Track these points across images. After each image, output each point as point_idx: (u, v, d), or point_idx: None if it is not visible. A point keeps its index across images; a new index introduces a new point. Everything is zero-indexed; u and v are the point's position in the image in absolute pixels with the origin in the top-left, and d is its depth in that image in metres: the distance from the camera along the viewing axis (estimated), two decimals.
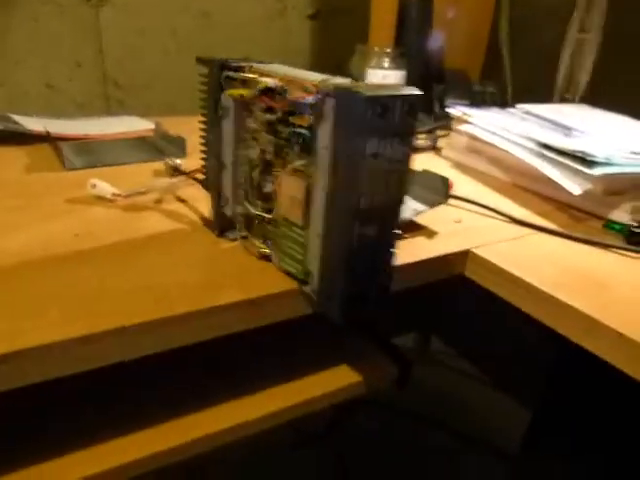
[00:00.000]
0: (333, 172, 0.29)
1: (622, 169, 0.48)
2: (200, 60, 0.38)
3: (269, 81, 0.33)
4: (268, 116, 0.33)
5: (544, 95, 0.92)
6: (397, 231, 0.32)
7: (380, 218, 0.30)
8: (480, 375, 1.14)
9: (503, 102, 0.88)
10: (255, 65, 0.36)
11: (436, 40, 0.87)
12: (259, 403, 0.41)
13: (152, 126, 0.68)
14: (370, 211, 0.29)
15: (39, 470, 0.34)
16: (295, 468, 1.00)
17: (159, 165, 0.58)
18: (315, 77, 0.31)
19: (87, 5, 1.06)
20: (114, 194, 0.47)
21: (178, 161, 0.55)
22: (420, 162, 0.59)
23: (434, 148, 0.74)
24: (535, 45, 0.97)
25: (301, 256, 0.34)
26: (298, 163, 0.32)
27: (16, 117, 0.67)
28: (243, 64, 0.36)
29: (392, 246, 0.33)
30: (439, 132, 0.77)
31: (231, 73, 0.36)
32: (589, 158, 0.48)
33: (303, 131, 0.31)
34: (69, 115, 0.81)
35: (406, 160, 0.30)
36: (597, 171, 0.47)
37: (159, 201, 0.49)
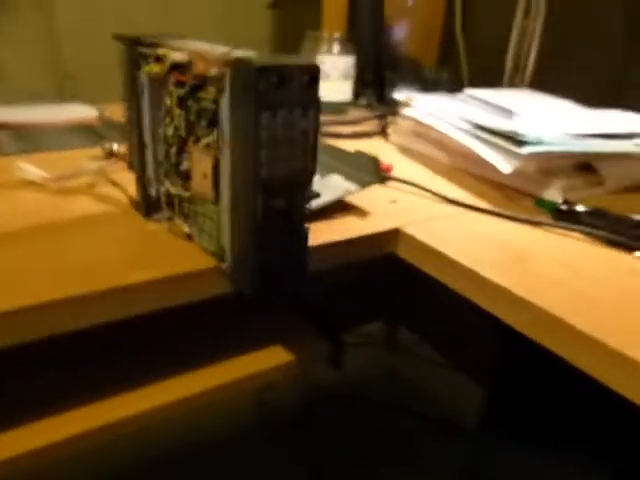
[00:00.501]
0: (233, 144, 0.29)
1: (551, 148, 0.49)
2: (117, 37, 0.37)
3: (177, 56, 0.33)
4: (178, 91, 0.33)
5: (500, 82, 0.93)
6: (307, 205, 0.32)
7: (287, 190, 0.30)
8: (441, 359, 1.16)
9: (458, 89, 0.89)
10: (169, 41, 0.35)
11: (388, 27, 0.87)
12: (185, 384, 0.41)
13: (96, 113, 0.67)
14: (273, 183, 0.29)
15: None
16: (266, 463, 1.00)
17: (97, 150, 0.57)
18: (222, 50, 0.31)
19: None
20: (43, 177, 0.46)
21: (115, 145, 0.54)
22: (368, 147, 0.59)
23: (384, 133, 0.74)
24: (489, 31, 0.98)
25: (216, 232, 0.34)
26: (206, 139, 0.32)
27: None
28: (156, 40, 0.35)
29: (304, 220, 0.33)
30: (390, 118, 0.78)
31: (145, 49, 0.35)
32: (519, 138, 0.49)
33: (209, 105, 0.31)
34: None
35: (310, 132, 0.30)
36: (526, 150, 0.48)
37: (91, 185, 0.48)
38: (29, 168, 0.47)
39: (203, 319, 0.45)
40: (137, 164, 0.40)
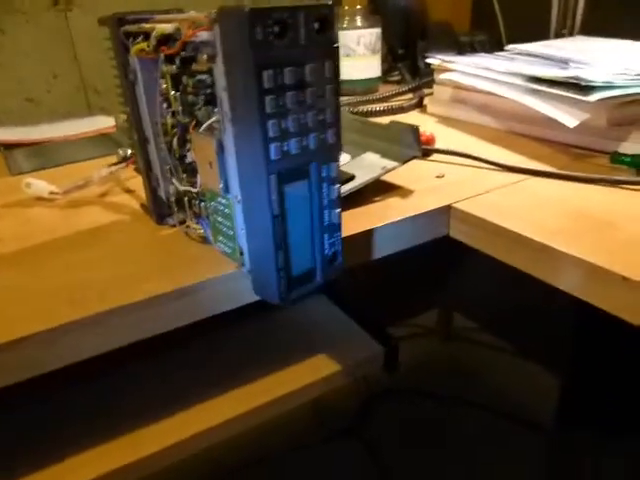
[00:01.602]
0: (233, 118, 0.23)
1: (625, 91, 0.41)
2: (100, 21, 0.32)
3: (166, 27, 0.27)
4: (170, 68, 0.28)
5: (543, 37, 0.84)
6: (337, 186, 0.26)
7: (304, 171, 0.24)
8: (506, 346, 1.07)
9: (497, 50, 0.80)
10: (158, 16, 0.30)
11: None
12: (240, 399, 0.37)
13: (114, 122, 0.64)
14: (288, 162, 0.23)
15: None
16: (329, 462, 0.95)
17: (113, 159, 0.53)
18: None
19: (54, 10, 1.03)
20: (51, 192, 0.43)
21: (129, 151, 0.50)
22: (404, 121, 0.52)
23: (420, 106, 0.67)
24: None
25: (231, 231, 0.28)
26: (207, 121, 0.26)
27: None
28: (141, 16, 0.30)
29: (335, 206, 0.27)
30: (426, 90, 0.70)
31: (130, 27, 0.30)
32: (585, 83, 0.41)
33: (204, 77, 0.25)
34: None
35: (329, 92, 0.24)
36: (595, 96, 0.40)
37: (103, 194, 0.44)
38: (38, 184, 0.43)
39: (242, 322, 0.41)
40: (142, 164, 0.35)
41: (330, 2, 0.22)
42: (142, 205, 0.40)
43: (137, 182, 0.45)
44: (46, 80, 1.07)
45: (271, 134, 0.22)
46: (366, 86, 0.75)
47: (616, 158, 0.41)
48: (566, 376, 0.66)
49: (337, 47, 0.23)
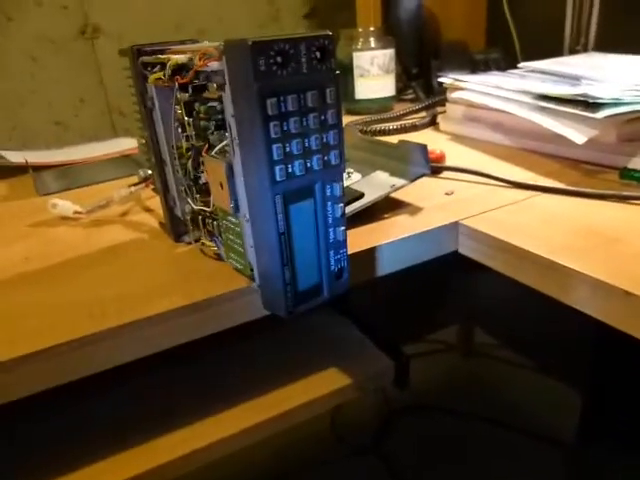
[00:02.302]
0: (241, 142, 0.24)
1: (633, 107, 0.41)
2: (121, 52, 0.34)
3: (179, 58, 0.29)
4: (184, 96, 0.29)
5: (559, 53, 0.84)
6: (341, 205, 0.27)
7: (309, 191, 0.26)
8: (527, 362, 1.05)
9: (512, 67, 0.81)
10: (173, 47, 0.32)
11: (428, 13, 0.81)
12: (252, 411, 0.38)
13: (136, 144, 0.67)
14: (292, 183, 0.25)
15: None
16: (348, 478, 0.94)
17: (134, 179, 0.55)
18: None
19: (82, 38, 1.08)
20: (76, 212, 0.45)
21: (149, 171, 0.52)
22: (416, 139, 0.53)
23: (434, 124, 0.68)
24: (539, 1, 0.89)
25: (242, 248, 0.30)
26: (218, 145, 0.28)
27: (1, 152, 0.67)
28: (159, 47, 0.32)
29: (339, 224, 0.28)
30: (439, 109, 0.72)
31: (147, 58, 0.32)
32: (592, 100, 0.42)
33: (214, 104, 0.27)
34: None
35: (331, 116, 0.25)
36: (602, 113, 0.41)
37: (124, 213, 0.46)
38: (63, 204, 0.46)
39: (255, 335, 0.42)
40: (159, 184, 0.37)
41: (330, 33, 0.24)
42: (160, 223, 0.42)
43: (156, 202, 0.47)
44: (74, 104, 1.12)
45: (275, 157, 0.23)
46: (380, 105, 0.76)
47: (626, 174, 0.41)
48: (586, 392, 0.65)
49: (338, 74, 0.25)
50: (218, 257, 0.35)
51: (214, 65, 0.26)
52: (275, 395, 0.38)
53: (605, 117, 0.40)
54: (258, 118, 0.23)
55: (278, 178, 0.24)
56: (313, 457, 0.97)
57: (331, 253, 0.28)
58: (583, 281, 0.30)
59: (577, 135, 0.42)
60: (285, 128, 0.23)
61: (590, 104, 0.42)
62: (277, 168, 0.24)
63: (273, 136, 0.23)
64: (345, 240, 0.28)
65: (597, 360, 0.64)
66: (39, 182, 0.57)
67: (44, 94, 1.08)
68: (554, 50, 0.83)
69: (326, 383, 0.39)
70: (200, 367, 0.43)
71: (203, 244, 0.36)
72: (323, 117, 0.25)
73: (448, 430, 1.01)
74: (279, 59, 0.23)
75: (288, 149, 0.24)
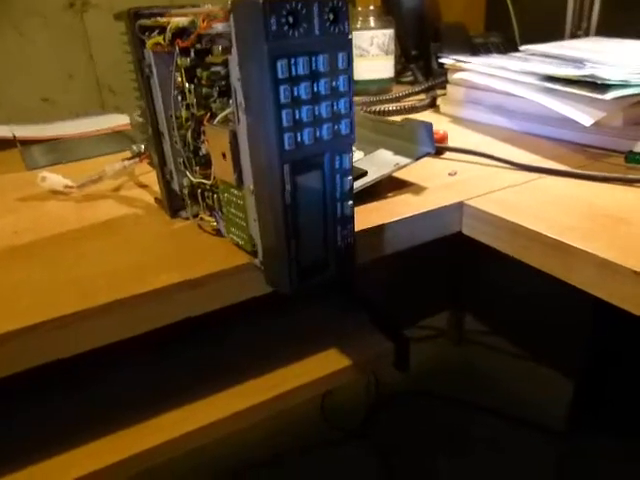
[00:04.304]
0: (247, 108, 0.23)
1: None
2: (116, 16, 0.33)
3: (181, 20, 0.28)
4: (185, 61, 0.28)
5: (557, 39, 0.83)
6: (349, 178, 0.26)
7: (317, 162, 0.24)
8: (517, 350, 1.06)
9: (512, 51, 0.80)
10: (174, 10, 0.31)
11: None
12: (246, 394, 0.37)
13: (128, 120, 0.65)
14: (301, 153, 0.23)
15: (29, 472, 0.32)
16: (339, 463, 0.94)
17: (127, 154, 0.53)
18: None
19: (71, 11, 1.04)
20: (66, 186, 0.43)
21: (142, 147, 0.50)
22: None
23: (433, 106, 0.67)
24: None
25: (244, 222, 0.29)
26: (221, 113, 0.27)
27: None
28: (157, 10, 0.30)
29: (347, 198, 0.27)
30: (438, 91, 0.70)
31: (146, 21, 0.31)
32: (600, 82, 0.41)
33: (218, 68, 0.26)
34: None
35: (343, 82, 0.24)
36: (610, 94, 0.40)
37: (117, 188, 0.45)
38: (53, 178, 0.44)
39: (253, 314, 0.41)
40: (156, 158, 0.36)
41: None
42: (156, 199, 0.40)
43: (151, 177, 0.46)
44: (62, 80, 1.09)
45: (285, 124, 0.22)
46: (379, 86, 0.75)
47: (631, 157, 0.41)
48: (579, 380, 0.65)
49: (351, 38, 0.24)
50: (217, 232, 0.34)
51: (219, 27, 0.24)
52: (273, 376, 0.38)
53: (613, 99, 0.40)
54: (268, 81, 0.21)
55: (287, 147, 0.23)
56: (305, 442, 0.97)
57: (338, 228, 0.27)
58: (590, 261, 0.30)
59: (584, 117, 0.41)
60: (295, 93, 0.22)
61: (598, 85, 0.41)
62: (286, 136, 0.23)
63: (283, 101, 0.22)
64: (353, 216, 0.27)
65: (589, 347, 0.64)
66: (27, 156, 0.55)
67: (31, 69, 1.05)
68: (554, 35, 0.82)
69: (325, 365, 0.38)
70: (193, 348, 0.42)
71: (202, 219, 0.35)
72: (334, 83, 0.23)
73: (438, 416, 1.02)
74: (290, 19, 0.21)
75: (298, 116, 0.23)
